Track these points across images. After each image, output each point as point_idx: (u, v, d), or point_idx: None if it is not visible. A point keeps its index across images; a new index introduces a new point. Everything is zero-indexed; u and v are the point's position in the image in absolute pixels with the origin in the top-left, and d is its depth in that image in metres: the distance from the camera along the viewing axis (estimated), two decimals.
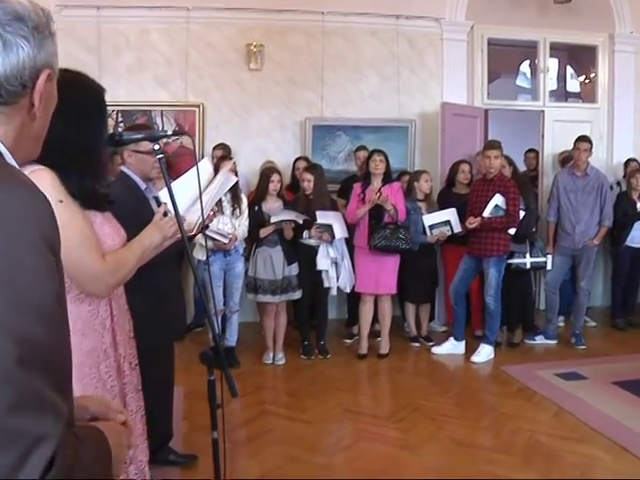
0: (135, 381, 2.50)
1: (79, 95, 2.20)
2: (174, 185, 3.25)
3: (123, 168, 3.57)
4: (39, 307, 0.93)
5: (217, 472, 2.26)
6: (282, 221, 5.96)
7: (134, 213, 2.88)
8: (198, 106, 7.63)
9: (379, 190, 6.15)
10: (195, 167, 3.29)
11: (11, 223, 0.93)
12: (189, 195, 3.28)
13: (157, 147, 2.29)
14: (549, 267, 6.86)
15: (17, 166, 1.10)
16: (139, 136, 2.50)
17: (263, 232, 5.98)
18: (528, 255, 6.61)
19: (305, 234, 6.13)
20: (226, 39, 7.64)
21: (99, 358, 2.29)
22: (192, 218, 3.25)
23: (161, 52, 7.56)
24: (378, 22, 7.81)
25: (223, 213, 5.79)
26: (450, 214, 6.59)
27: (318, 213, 6.07)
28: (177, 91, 7.63)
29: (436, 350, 6.55)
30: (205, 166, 4.00)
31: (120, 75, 7.44)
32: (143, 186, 3.52)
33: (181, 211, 2.76)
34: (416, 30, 7.93)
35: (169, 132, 2.59)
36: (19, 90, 1.09)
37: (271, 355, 6.27)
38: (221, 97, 7.70)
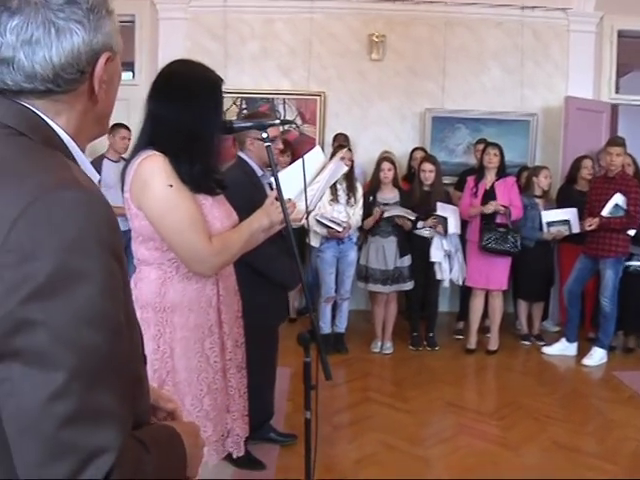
0: (239, 359, 2.60)
1: (195, 85, 2.32)
2: (284, 173, 3.39)
3: (240, 154, 3.70)
4: (99, 316, 0.91)
5: (308, 451, 2.33)
6: (395, 216, 5.97)
7: (248, 198, 3.00)
8: (319, 95, 7.74)
9: (492, 184, 6.09)
10: (308, 155, 3.42)
11: (67, 230, 0.89)
12: (300, 183, 3.37)
13: (265, 135, 2.38)
14: None
15: (81, 154, 1.09)
16: (248, 124, 2.61)
17: (367, 223, 6.00)
18: None
19: (420, 224, 6.13)
20: (349, 29, 7.70)
21: (204, 334, 2.41)
22: (302, 206, 3.34)
23: (285, 41, 7.71)
24: (502, 13, 7.62)
25: (338, 201, 5.88)
26: (570, 214, 6.35)
27: (439, 204, 6.05)
28: (299, 80, 7.77)
29: (547, 350, 6.38)
30: (317, 155, 4.09)
31: (245, 63, 7.67)
32: (260, 172, 3.65)
33: (292, 197, 2.86)
34: (542, 21, 7.67)
35: (277, 121, 2.68)
36: (77, 77, 1.03)
37: (379, 344, 6.31)
38: (342, 86, 7.77)
